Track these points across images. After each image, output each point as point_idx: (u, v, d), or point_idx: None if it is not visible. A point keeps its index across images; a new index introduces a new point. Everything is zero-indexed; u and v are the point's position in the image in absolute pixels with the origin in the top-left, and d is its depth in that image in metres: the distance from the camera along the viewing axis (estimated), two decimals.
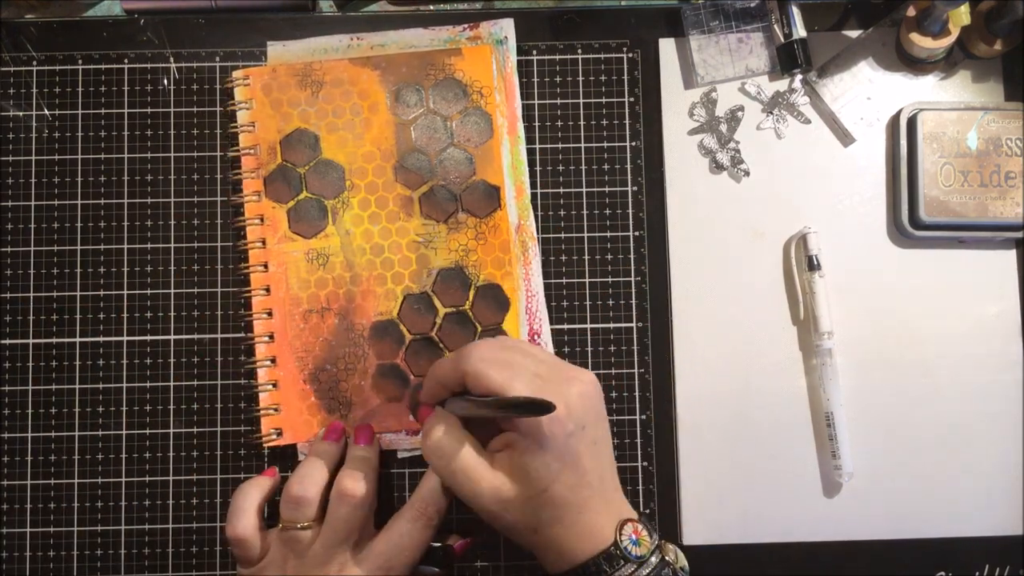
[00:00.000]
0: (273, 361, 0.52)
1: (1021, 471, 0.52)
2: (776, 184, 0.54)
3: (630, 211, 0.54)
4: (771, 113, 0.54)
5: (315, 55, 0.54)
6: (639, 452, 0.52)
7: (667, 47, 0.54)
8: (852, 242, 0.53)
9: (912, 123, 0.53)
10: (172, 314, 0.53)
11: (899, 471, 0.52)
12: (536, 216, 0.53)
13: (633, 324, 0.53)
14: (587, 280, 0.53)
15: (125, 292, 0.53)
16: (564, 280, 0.53)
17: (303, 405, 0.52)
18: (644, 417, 0.53)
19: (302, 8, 0.55)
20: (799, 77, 0.54)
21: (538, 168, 0.54)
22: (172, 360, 0.52)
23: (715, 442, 0.52)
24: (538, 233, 0.53)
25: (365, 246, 0.52)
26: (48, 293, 0.53)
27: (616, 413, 0.53)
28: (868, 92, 0.54)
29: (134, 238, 0.53)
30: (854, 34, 0.54)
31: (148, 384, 0.52)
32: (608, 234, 0.53)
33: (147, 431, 0.52)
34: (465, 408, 0.44)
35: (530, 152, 0.54)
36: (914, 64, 0.54)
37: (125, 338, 0.52)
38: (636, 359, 0.53)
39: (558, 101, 0.54)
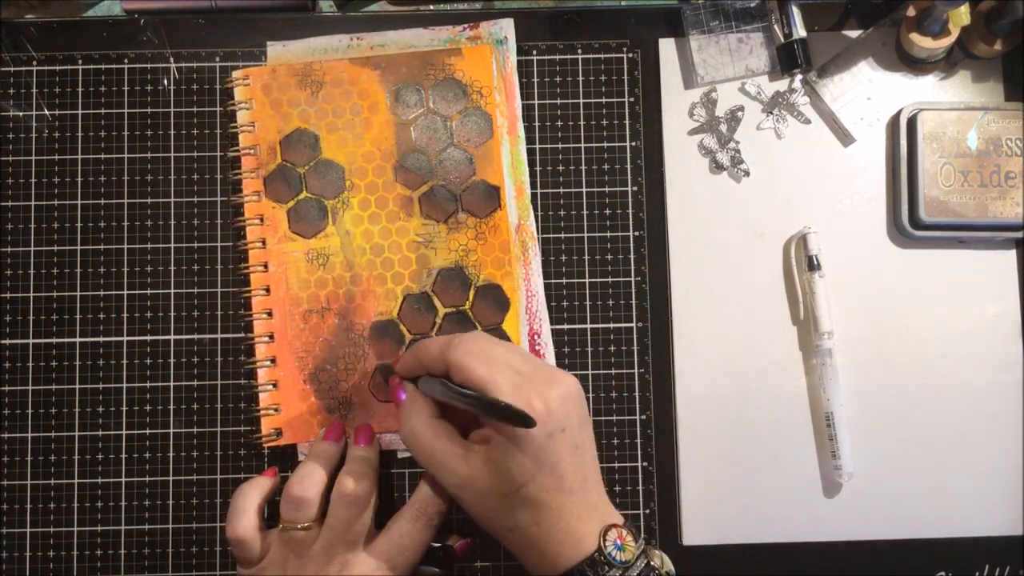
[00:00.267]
0: (273, 361, 0.52)
1: (1021, 471, 0.52)
2: (776, 184, 0.54)
3: (630, 211, 0.54)
4: (771, 113, 0.54)
5: (315, 55, 0.54)
6: (639, 452, 0.52)
7: (667, 47, 0.54)
8: (852, 242, 0.53)
9: (912, 123, 0.53)
10: (172, 314, 0.53)
11: (899, 471, 0.52)
12: (536, 216, 0.53)
13: (633, 324, 0.53)
14: (587, 280, 0.53)
15: (125, 292, 0.53)
16: (564, 280, 0.53)
17: (303, 405, 0.52)
18: (644, 417, 0.53)
19: (302, 8, 0.55)
20: (799, 77, 0.54)
21: (538, 168, 0.54)
22: (172, 360, 0.52)
23: (715, 442, 0.52)
24: (538, 233, 0.53)
25: (365, 246, 0.52)
26: (48, 293, 0.53)
27: (616, 413, 0.53)
28: (868, 92, 0.54)
29: (134, 238, 0.53)
30: (854, 34, 0.54)
31: (148, 384, 0.52)
32: (608, 234, 0.53)
33: (147, 431, 0.52)
34: (442, 394, 0.44)
35: (530, 152, 0.54)
36: (914, 64, 0.54)
37: (125, 338, 0.52)
38: (636, 359, 0.53)
39: (558, 101, 0.54)
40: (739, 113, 0.54)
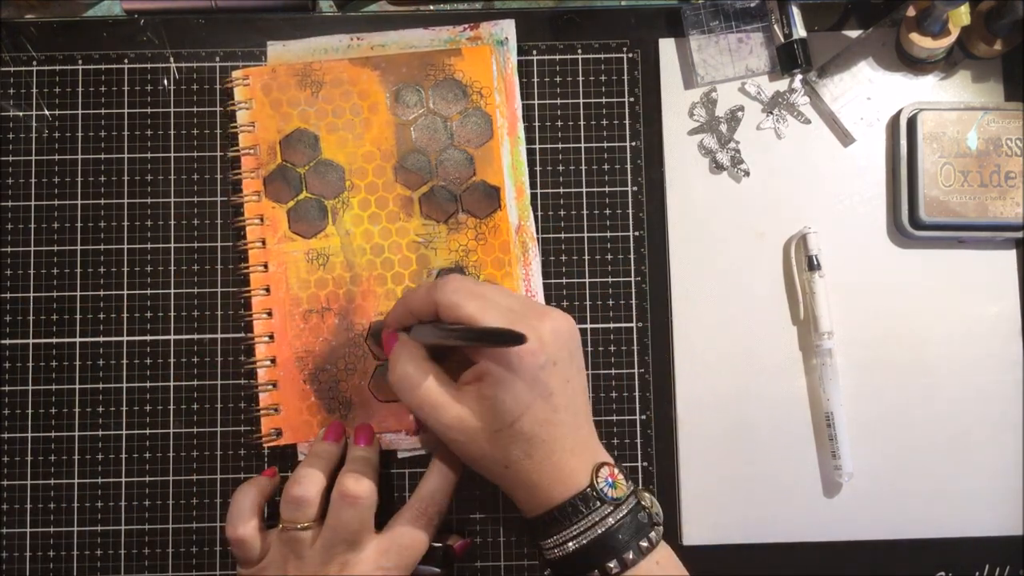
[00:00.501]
0: (273, 361, 0.52)
1: (1021, 471, 0.52)
2: (776, 184, 0.54)
3: (630, 211, 0.54)
4: (771, 113, 0.54)
5: (315, 55, 0.54)
6: (639, 452, 0.52)
7: (667, 47, 0.54)
8: (852, 242, 0.53)
9: (912, 123, 0.53)
10: (172, 314, 0.53)
11: (899, 471, 0.52)
12: (536, 216, 0.53)
13: (633, 324, 0.53)
14: (587, 280, 0.53)
15: (125, 292, 0.53)
16: (564, 280, 0.53)
17: (303, 405, 0.52)
18: (644, 417, 0.53)
19: (302, 8, 0.55)
20: (799, 77, 0.54)
21: (538, 168, 0.54)
22: (172, 360, 0.52)
23: (715, 442, 0.52)
24: (538, 233, 0.53)
25: (365, 246, 0.52)
26: (48, 293, 0.53)
27: (616, 413, 0.53)
28: (868, 92, 0.54)
29: (134, 238, 0.53)
30: (854, 34, 0.54)
31: (148, 384, 0.52)
32: (608, 234, 0.53)
33: (147, 431, 0.52)
34: (433, 335, 0.44)
35: (530, 152, 0.54)
36: (914, 64, 0.54)
37: (125, 338, 0.52)
38: (636, 359, 0.53)
39: (558, 101, 0.54)
40: (739, 113, 0.54)
